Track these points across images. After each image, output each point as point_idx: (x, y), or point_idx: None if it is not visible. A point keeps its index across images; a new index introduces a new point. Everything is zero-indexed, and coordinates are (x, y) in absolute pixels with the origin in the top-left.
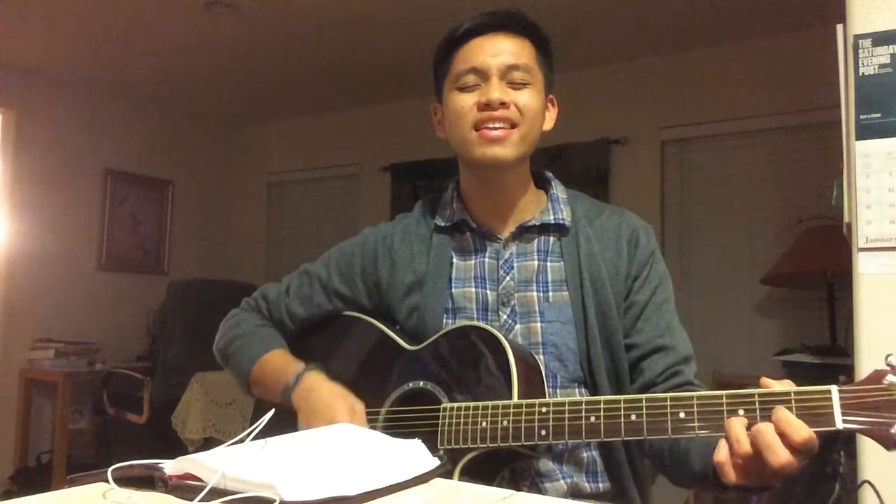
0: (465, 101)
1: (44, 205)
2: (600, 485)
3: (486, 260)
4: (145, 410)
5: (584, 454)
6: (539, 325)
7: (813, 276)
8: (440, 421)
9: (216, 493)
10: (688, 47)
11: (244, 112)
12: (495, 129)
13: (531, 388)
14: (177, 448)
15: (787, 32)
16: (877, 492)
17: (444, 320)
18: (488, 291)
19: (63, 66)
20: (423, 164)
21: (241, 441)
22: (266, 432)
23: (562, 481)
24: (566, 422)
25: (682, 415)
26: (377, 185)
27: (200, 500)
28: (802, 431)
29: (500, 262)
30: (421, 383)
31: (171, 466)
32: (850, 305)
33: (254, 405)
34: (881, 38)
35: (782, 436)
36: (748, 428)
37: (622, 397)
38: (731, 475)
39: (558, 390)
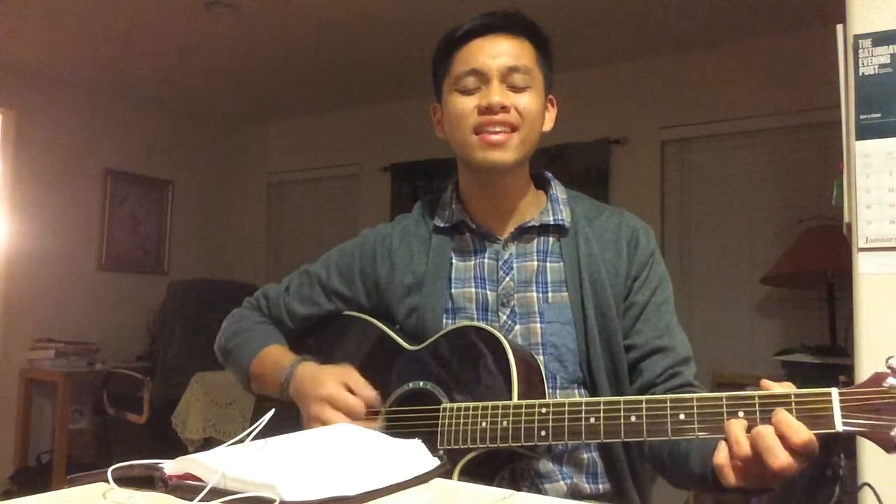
0: (466, 105)
1: (44, 205)
2: (600, 486)
3: (486, 260)
4: (145, 410)
5: (585, 455)
6: (539, 325)
7: (813, 276)
8: (440, 421)
9: (216, 493)
10: (688, 47)
11: (244, 112)
12: (496, 133)
13: (531, 389)
14: (177, 448)
15: (787, 32)
16: (877, 494)
17: (444, 321)
18: (488, 292)
19: (63, 66)
20: (423, 164)
21: (241, 441)
22: (266, 432)
23: (562, 482)
24: (566, 423)
25: (681, 416)
26: (377, 185)
27: (200, 500)
28: (802, 434)
29: (500, 263)
30: (421, 383)
31: (171, 466)
32: (850, 305)
33: (254, 405)
34: (881, 38)
35: (782, 438)
36: (748, 430)
37: (622, 398)
38: (730, 477)
39: (558, 391)
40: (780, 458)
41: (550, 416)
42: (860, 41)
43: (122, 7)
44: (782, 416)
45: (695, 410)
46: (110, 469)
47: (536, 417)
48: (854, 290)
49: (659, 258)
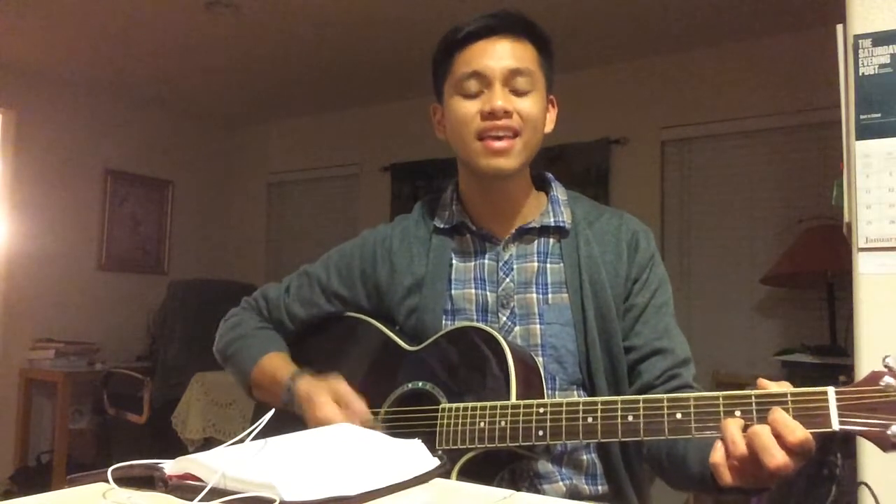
0: (469, 109)
1: (44, 205)
2: (599, 487)
3: (486, 262)
4: (145, 410)
5: (584, 456)
6: (538, 326)
7: (813, 276)
8: (439, 421)
9: (216, 493)
10: (688, 47)
11: (244, 112)
12: (499, 138)
13: (530, 390)
14: (177, 448)
15: (787, 32)
16: (874, 494)
17: (444, 321)
18: (488, 293)
19: (63, 66)
20: (423, 164)
21: (241, 441)
22: (266, 432)
23: (560, 483)
24: (563, 422)
25: (678, 416)
26: (377, 185)
27: (200, 500)
28: (798, 433)
29: (500, 264)
30: (420, 384)
31: (171, 466)
32: (850, 305)
33: (254, 405)
34: (881, 38)
35: (778, 437)
36: (744, 429)
37: (619, 398)
38: (726, 477)
39: (557, 392)
40: (777, 458)
41: (548, 416)
42: (860, 41)
43: (121, 7)
44: (778, 415)
45: (692, 410)
46: (110, 469)
47: (534, 417)
48: (854, 290)
49: (658, 260)
